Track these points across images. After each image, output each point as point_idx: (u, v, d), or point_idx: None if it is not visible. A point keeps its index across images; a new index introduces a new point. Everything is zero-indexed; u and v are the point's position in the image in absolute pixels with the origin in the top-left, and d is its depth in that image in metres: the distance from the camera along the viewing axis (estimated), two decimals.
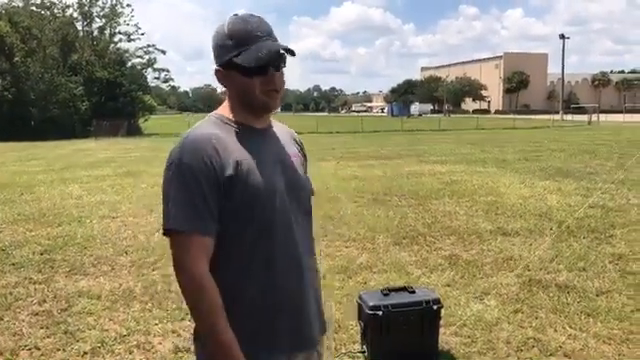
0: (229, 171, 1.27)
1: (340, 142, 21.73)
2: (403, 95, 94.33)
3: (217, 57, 1.35)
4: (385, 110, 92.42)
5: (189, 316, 3.67)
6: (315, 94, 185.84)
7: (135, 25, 40.73)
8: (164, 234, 1.29)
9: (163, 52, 43.23)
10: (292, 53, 1.35)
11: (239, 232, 1.31)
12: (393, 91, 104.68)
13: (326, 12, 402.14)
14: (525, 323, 3.61)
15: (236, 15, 1.35)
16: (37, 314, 3.87)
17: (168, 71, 43.79)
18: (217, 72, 1.37)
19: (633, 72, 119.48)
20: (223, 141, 1.31)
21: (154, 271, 4.74)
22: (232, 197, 1.28)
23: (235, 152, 1.30)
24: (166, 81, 44.99)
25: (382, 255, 5.20)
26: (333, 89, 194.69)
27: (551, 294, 4.12)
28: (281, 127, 1.52)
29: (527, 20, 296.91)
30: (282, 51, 1.33)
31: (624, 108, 68.46)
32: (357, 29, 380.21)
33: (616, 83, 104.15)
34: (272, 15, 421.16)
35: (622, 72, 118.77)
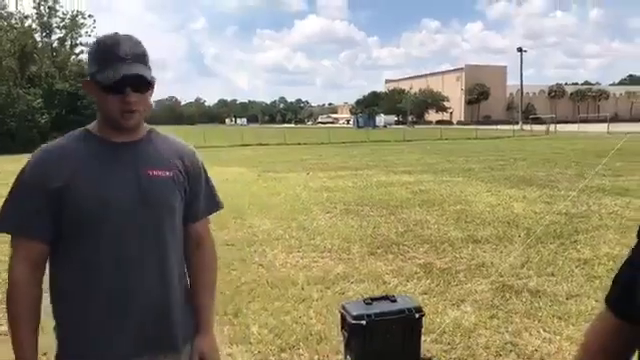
0: (60, 183, 1.32)
1: (308, 153, 21.79)
2: (368, 107, 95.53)
3: (88, 69, 1.39)
4: (351, 121, 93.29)
5: None
6: (281, 106, 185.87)
7: (97, 36, 39.93)
8: None
9: None
10: (148, 83, 1.36)
11: (73, 241, 1.36)
12: (358, 103, 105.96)
13: (290, 25, 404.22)
14: (501, 328, 3.70)
15: (115, 33, 1.37)
16: None
17: None
18: (84, 82, 1.42)
19: (586, 84, 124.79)
20: (68, 154, 1.37)
21: None
22: (65, 207, 1.33)
23: (75, 165, 1.35)
24: None
25: (358, 265, 5.24)
26: (299, 101, 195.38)
27: (524, 299, 4.23)
28: (168, 143, 1.51)
29: (487, 33, 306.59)
30: (141, 77, 1.34)
31: (578, 118, 71.40)
32: (322, 41, 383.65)
33: (570, 95, 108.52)
34: (234, 28, 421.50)
35: (576, 84, 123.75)
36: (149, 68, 1.37)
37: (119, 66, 1.30)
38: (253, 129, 70.85)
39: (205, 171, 1.59)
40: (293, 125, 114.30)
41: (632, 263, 0.94)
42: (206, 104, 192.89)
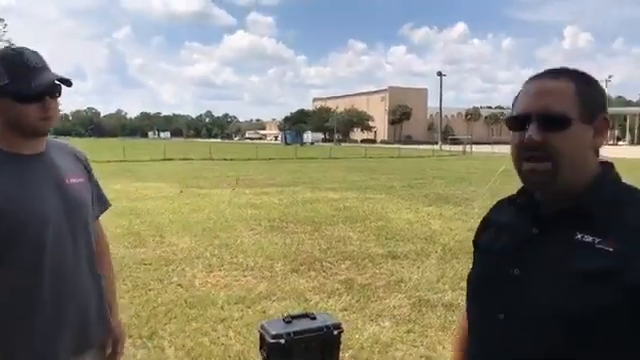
0: None
1: (234, 169, 21.49)
2: (296, 124, 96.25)
3: None
4: (279, 138, 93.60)
5: None
6: (207, 120, 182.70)
7: (7, 41, 37.29)
8: None
9: None
10: (68, 84, 1.42)
11: (8, 256, 1.34)
12: (286, 119, 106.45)
13: (219, 39, 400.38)
14: (417, 342, 3.82)
15: (9, 47, 1.44)
16: None
17: None
18: None
19: (499, 108, 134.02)
20: None
21: None
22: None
23: None
24: None
25: (280, 283, 5.21)
26: (226, 115, 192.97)
27: (439, 313, 4.41)
28: (62, 147, 1.58)
29: (409, 57, 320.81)
30: (57, 82, 1.39)
31: (492, 140, 76.31)
32: (250, 57, 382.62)
33: (485, 117, 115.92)
34: (161, 38, 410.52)
35: (490, 108, 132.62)
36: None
37: (37, 76, 1.34)
38: (177, 143, 68.97)
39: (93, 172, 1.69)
40: (219, 140, 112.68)
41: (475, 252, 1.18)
42: (128, 116, 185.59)
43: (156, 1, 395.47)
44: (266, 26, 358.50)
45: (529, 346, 0.92)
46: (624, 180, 1.01)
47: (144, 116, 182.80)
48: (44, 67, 1.38)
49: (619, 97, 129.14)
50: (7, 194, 1.33)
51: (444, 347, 3.75)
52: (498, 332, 0.97)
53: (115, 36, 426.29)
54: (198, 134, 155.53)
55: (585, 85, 0.96)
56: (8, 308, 1.38)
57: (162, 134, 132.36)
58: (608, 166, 1.01)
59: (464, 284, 4.36)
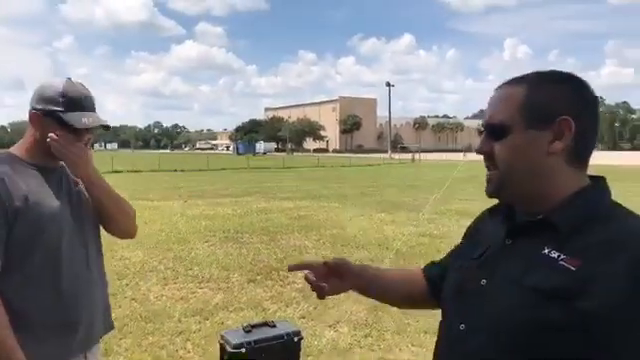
0: (17, 204, 1.43)
1: (186, 180, 21.12)
2: (248, 134, 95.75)
3: (40, 103, 1.52)
4: (231, 148, 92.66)
5: None
6: (156, 131, 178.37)
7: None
8: None
9: None
10: (108, 129, 1.66)
11: (28, 257, 1.46)
12: (238, 129, 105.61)
13: (166, 48, 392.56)
14: (374, 346, 3.92)
15: (70, 80, 1.56)
16: None
17: None
18: (34, 114, 1.54)
19: (445, 117, 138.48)
20: (13, 178, 1.47)
21: None
22: (20, 226, 1.44)
23: (24, 188, 1.47)
24: None
25: (237, 293, 5.20)
26: (176, 126, 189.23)
27: (394, 317, 4.53)
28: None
29: (359, 68, 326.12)
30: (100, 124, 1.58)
31: (440, 148, 78.68)
32: (200, 67, 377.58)
33: (432, 126, 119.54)
34: (106, 48, 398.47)
35: (437, 117, 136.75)
36: None
37: (88, 114, 1.53)
38: (125, 155, 66.90)
39: None
40: (169, 151, 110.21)
41: (451, 254, 1.21)
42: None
43: (99, 10, 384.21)
44: (216, 36, 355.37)
45: (480, 358, 0.91)
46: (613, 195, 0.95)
47: None
48: (93, 108, 1.58)
49: None
50: (29, 198, 1.46)
51: (400, 349, 3.86)
52: (458, 343, 0.96)
53: (56, 45, 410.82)
54: (147, 145, 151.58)
55: (540, 88, 0.92)
56: (28, 305, 1.47)
57: (109, 145, 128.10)
58: (597, 180, 0.96)
59: None
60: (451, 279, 1.06)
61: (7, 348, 1.39)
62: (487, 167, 0.97)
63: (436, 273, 1.21)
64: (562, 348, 0.82)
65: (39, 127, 1.53)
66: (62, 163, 1.61)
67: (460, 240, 1.19)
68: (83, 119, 1.50)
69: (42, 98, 1.52)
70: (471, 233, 1.13)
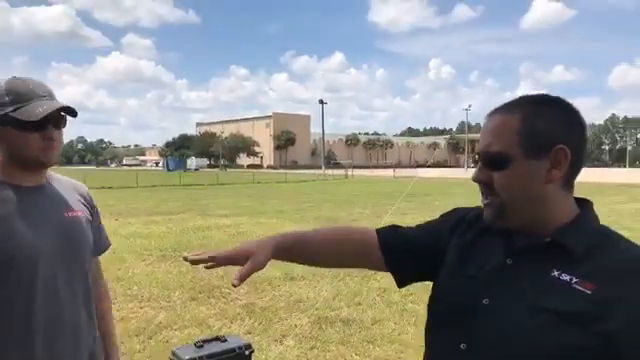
0: None
1: (115, 198, 20.28)
2: (179, 149, 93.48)
3: None
4: (160, 164, 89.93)
5: None
6: (80, 146, 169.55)
7: None
8: None
9: None
10: (73, 113, 1.40)
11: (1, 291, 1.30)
12: (168, 145, 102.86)
13: (91, 60, 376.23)
14: (320, 357, 4.05)
15: (14, 77, 1.37)
16: None
17: None
18: None
19: (375, 134, 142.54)
20: None
21: None
22: None
23: None
24: None
25: (180, 312, 5.14)
26: (101, 141, 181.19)
27: (337, 328, 4.69)
28: (65, 182, 1.55)
29: (291, 84, 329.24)
30: (62, 112, 1.37)
31: (371, 164, 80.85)
32: (127, 80, 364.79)
33: (364, 143, 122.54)
34: (24, 58, 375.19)
35: (367, 134, 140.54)
36: None
37: (41, 102, 1.31)
38: None
39: (97, 208, 1.64)
40: (94, 167, 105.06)
41: (420, 227, 1.18)
42: None
43: (15, 19, 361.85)
44: (144, 48, 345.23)
45: None
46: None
47: None
48: (49, 96, 1.36)
49: (477, 124, 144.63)
50: (8, 227, 1.30)
51: (345, 359, 4.02)
52: None
53: None
54: (69, 161, 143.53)
55: (535, 117, 0.93)
56: (5, 334, 1.32)
57: None
58: (587, 204, 0.99)
59: (358, 299, 4.80)
60: (444, 296, 1.04)
61: None
62: (483, 193, 0.98)
63: (396, 244, 1.16)
64: None
65: (1, 139, 1.34)
66: (46, 181, 1.44)
67: (435, 221, 1.18)
68: (37, 109, 1.29)
69: None
70: (458, 242, 1.08)
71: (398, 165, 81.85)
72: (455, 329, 0.97)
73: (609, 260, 0.87)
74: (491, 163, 0.95)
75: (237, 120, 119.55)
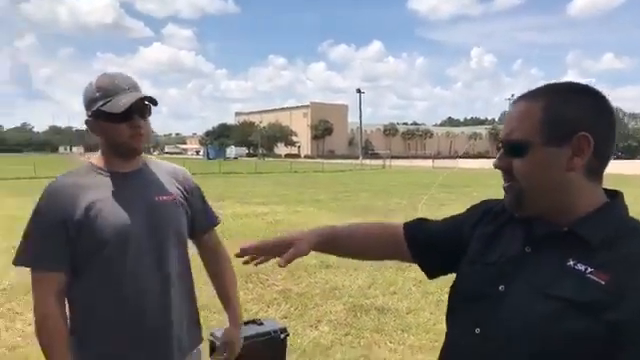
0: (77, 216, 1.42)
1: None
2: (218, 138, 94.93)
3: (87, 108, 1.51)
4: (201, 152, 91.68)
5: None
6: None
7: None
8: (14, 264, 1.49)
9: None
10: (154, 102, 1.53)
11: (90, 272, 1.45)
12: (208, 134, 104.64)
13: (134, 50, 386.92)
14: (354, 343, 4.09)
15: (104, 73, 1.52)
16: None
17: None
18: (87, 122, 1.53)
19: (414, 124, 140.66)
20: (79, 187, 1.47)
21: None
22: (82, 238, 1.43)
23: (89, 197, 1.45)
24: None
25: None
26: None
27: (372, 316, 4.71)
28: (162, 167, 1.67)
29: (329, 73, 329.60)
30: (146, 101, 1.51)
31: (409, 154, 79.96)
32: (168, 70, 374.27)
33: (402, 133, 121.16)
34: (70, 49, 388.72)
35: (406, 124, 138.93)
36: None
37: (124, 96, 1.44)
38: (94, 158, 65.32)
39: (199, 188, 1.76)
40: None
41: (446, 220, 1.21)
42: (35, 130, 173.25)
43: (62, 11, 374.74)
44: (184, 39, 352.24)
45: None
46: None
47: (54, 130, 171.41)
48: (133, 88, 1.49)
49: None
50: (92, 209, 1.43)
51: (379, 346, 4.04)
52: (472, 347, 0.97)
53: (18, 45, 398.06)
54: None
55: (559, 104, 0.92)
56: (86, 319, 1.47)
57: (74, 149, 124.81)
58: (616, 195, 0.97)
59: (393, 289, 4.80)
60: (464, 282, 1.06)
61: None
62: (505, 179, 0.99)
63: (421, 237, 1.20)
64: (584, 358, 0.84)
65: (97, 131, 1.51)
66: (142, 166, 1.58)
67: (461, 215, 1.19)
68: (121, 101, 1.43)
69: (86, 103, 1.50)
70: (482, 232, 1.09)
71: (437, 156, 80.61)
72: (471, 314, 0.99)
73: (629, 251, 0.86)
74: (511, 150, 0.95)
75: (275, 110, 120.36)
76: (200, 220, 1.73)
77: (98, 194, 1.47)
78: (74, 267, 1.46)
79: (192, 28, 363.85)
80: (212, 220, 1.82)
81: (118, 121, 1.45)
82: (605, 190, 0.97)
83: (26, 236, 1.46)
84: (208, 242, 1.80)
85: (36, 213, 1.46)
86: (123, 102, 1.43)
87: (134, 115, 1.47)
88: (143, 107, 1.50)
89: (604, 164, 0.94)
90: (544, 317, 0.87)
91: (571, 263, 0.88)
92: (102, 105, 1.44)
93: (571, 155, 0.91)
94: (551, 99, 0.93)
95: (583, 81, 0.99)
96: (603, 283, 0.84)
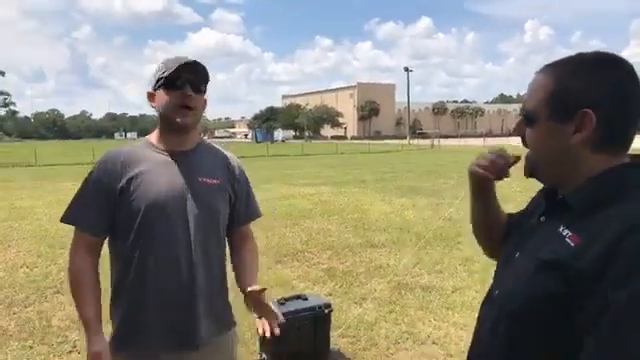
0: (121, 184, 1.49)
1: None
2: (266, 121, 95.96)
3: (152, 82, 1.56)
4: (249, 136, 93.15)
5: (77, 348, 3.55)
6: None
7: None
8: (60, 220, 1.58)
9: (2, 73, 38.66)
10: (206, 78, 1.54)
11: (126, 238, 1.51)
12: (256, 117, 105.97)
13: (183, 37, 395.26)
14: (399, 320, 4.14)
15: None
16: None
17: (8, 94, 39.26)
18: (148, 94, 1.57)
19: (464, 102, 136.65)
20: (130, 159, 1.53)
21: (27, 308, 4.40)
22: (122, 206, 1.50)
23: (136, 169, 1.51)
24: (6, 105, 40.25)
25: (266, 273, 5.44)
26: None
27: (417, 294, 4.74)
28: (214, 151, 1.68)
29: (376, 52, 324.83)
30: (199, 75, 1.52)
31: (459, 133, 77.92)
32: (216, 55, 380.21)
33: (451, 112, 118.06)
34: (124, 38, 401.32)
35: (456, 102, 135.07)
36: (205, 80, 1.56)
37: (186, 68, 1.49)
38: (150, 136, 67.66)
39: (248, 181, 1.77)
40: None
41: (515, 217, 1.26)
42: (93, 117, 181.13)
43: (116, 1, 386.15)
44: (232, 23, 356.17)
45: (495, 326, 0.99)
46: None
47: (110, 117, 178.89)
48: (197, 64, 1.50)
49: None
50: (135, 179, 1.50)
51: (423, 323, 4.07)
52: (491, 305, 1.04)
53: (75, 35, 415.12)
54: None
55: (569, 78, 0.92)
56: (122, 288, 1.55)
57: (129, 134, 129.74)
58: (624, 164, 0.94)
59: (439, 268, 4.79)
60: (503, 249, 1.14)
61: (90, 329, 1.50)
62: (524, 146, 1.04)
63: (506, 226, 1.26)
64: (546, 319, 0.86)
65: (154, 101, 1.54)
66: (195, 147, 1.60)
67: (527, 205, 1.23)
68: (179, 73, 1.48)
69: (152, 78, 1.56)
70: (528, 207, 1.18)
71: (489, 134, 78.20)
72: (497, 277, 1.10)
73: (607, 214, 0.86)
74: (524, 119, 1.00)
75: (321, 91, 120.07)
76: (241, 211, 1.72)
77: (145, 167, 1.52)
78: (116, 228, 1.54)
79: (239, 13, 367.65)
80: (253, 213, 1.80)
81: (171, 89, 1.49)
82: (633, 156, 0.95)
83: (76, 196, 1.56)
84: (241, 233, 1.77)
85: (89, 176, 1.56)
86: (173, 65, 1.48)
87: (186, 85, 1.48)
88: (198, 84, 1.52)
89: (619, 136, 0.92)
90: (526, 279, 0.92)
91: (560, 229, 0.92)
92: (163, 76, 1.50)
93: (574, 130, 0.92)
94: (564, 71, 0.94)
95: None
96: (572, 245, 0.87)
